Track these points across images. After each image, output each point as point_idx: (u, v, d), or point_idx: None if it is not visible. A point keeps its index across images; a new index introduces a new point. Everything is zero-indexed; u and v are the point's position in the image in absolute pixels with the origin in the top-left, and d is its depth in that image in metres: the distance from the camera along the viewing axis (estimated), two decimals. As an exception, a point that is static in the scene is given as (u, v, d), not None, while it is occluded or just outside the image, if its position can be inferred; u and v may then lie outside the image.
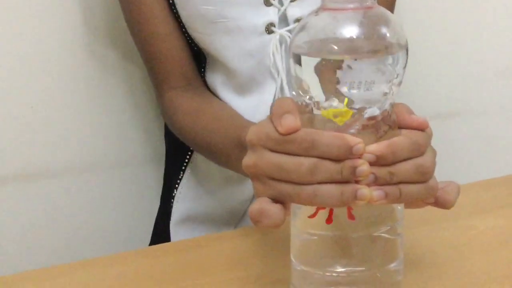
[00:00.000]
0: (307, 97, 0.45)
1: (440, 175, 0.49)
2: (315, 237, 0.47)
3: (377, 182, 0.44)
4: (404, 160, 0.45)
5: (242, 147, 0.55)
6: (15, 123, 0.84)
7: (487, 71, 1.06)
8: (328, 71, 0.43)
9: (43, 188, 0.87)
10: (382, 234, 0.47)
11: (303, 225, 0.47)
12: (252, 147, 0.46)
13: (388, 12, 0.46)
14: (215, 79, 0.75)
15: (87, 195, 0.89)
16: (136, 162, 0.91)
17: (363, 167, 0.43)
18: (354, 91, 0.44)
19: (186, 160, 0.79)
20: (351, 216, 0.46)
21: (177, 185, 0.80)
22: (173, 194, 0.80)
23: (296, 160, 0.43)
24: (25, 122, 0.84)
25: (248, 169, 0.46)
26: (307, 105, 0.45)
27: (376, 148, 0.44)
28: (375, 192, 0.44)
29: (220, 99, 0.74)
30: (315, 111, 0.45)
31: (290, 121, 0.44)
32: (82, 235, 0.90)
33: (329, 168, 0.43)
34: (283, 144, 0.44)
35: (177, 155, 0.80)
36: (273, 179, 0.45)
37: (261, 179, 0.46)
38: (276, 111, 0.45)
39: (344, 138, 0.43)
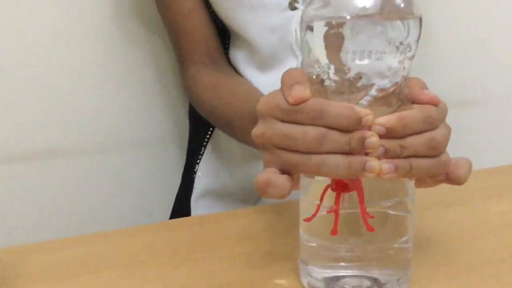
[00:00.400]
0: (317, 67, 0.44)
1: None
2: (325, 213, 0.47)
3: (387, 155, 0.43)
4: (416, 133, 0.44)
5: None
6: (39, 103, 0.85)
7: (507, 59, 1.06)
8: (336, 39, 0.43)
9: (70, 165, 0.88)
10: (392, 212, 0.47)
11: (314, 199, 0.47)
12: (262, 117, 0.46)
13: None
14: (238, 56, 0.75)
15: (111, 172, 0.90)
16: (159, 141, 0.92)
17: (373, 138, 0.43)
18: (364, 62, 0.43)
19: (208, 136, 0.80)
20: (370, 228, 0.46)
21: (198, 161, 0.81)
22: (195, 170, 0.81)
23: (304, 129, 0.43)
24: (49, 101, 0.85)
25: (257, 139, 0.46)
26: (317, 76, 0.45)
27: (386, 120, 0.43)
28: (385, 165, 0.43)
29: (241, 76, 0.75)
30: (326, 82, 0.44)
31: (299, 91, 0.44)
32: (106, 210, 0.91)
33: (337, 138, 0.43)
34: (292, 113, 0.44)
35: (199, 132, 0.81)
36: (281, 148, 0.45)
37: (270, 149, 0.45)
38: (286, 81, 0.45)
39: (353, 109, 0.43)
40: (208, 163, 0.81)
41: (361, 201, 0.46)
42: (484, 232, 0.61)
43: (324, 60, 0.44)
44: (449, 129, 0.47)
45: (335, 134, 0.43)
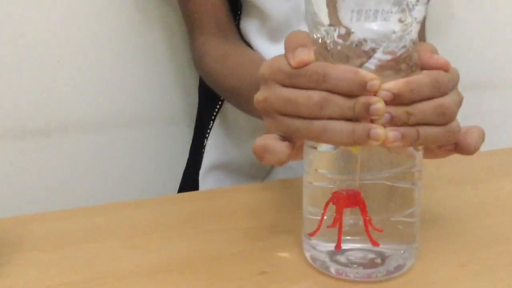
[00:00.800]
0: (321, 29, 0.43)
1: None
2: (329, 184, 0.46)
3: (393, 122, 0.42)
4: (424, 100, 0.42)
5: None
6: (44, 77, 0.85)
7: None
8: None
9: (79, 140, 0.88)
10: (398, 183, 0.46)
11: (322, 170, 0.46)
12: (264, 82, 0.44)
13: None
14: (249, 26, 0.74)
15: (119, 148, 0.90)
16: (169, 119, 0.91)
17: (378, 104, 0.41)
18: (369, 23, 0.41)
19: (216, 110, 0.79)
20: (375, 243, 0.45)
21: (207, 135, 0.80)
22: (204, 144, 0.80)
23: (306, 93, 0.42)
24: (58, 77, 0.85)
25: (258, 104, 0.45)
26: (321, 39, 0.43)
27: (393, 85, 0.41)
28: (391, 133, 0.41)
29: (253, 47, 0.73)
30: (330, 46, 0.43)
31: (302, 54, 0.42)
32: (115, 185, 0.91)
33: (340, 103, 0.41)
34: (294, 77, 0.42)
35: (207, 106, 0.80)
36: (283, 114, 0.43)
37: (271, 114, 0.44)
38: (290, 44, 0.43)
39: (357, 72, 0.41)
40: (217, 137, 0.80)
41: (364, 214, 0.44)
42: (495, 210, 0.59)
43: (326, 20, 0.42)
44: (460, 97, 0.45)
45: (338, 99, 0.41)
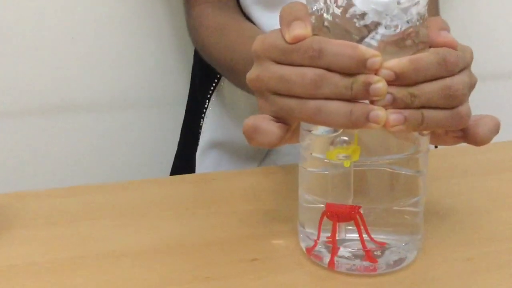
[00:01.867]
0: (320, 1, 0.39)
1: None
2: (325, 169, 0.42)
3: (395, 104, 0.38)
4: (430, 80, 0.38)
5: None
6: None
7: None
8: None
9: (72, 121, 0.87)
10: (400, 170, 0.42)
11: (318, 154, 0.43)
12: (257, 59, 0.41)
13: None
14: None
15: (109, 130, 0.89)
16: (157, 98, 0.89)
17: (379, 84, 0.37)
18: None
19: (212, 88, 0.75)
20: (373, 259, 0.42)
21: (203, 115, 0.77)
22: (200, 124, 0.77)
23: (300, 70, 0.38)
24: (45, 57, 0.84)
25: (251, 83, 0.41)
26: (319, 11, 0.40)
27: (396, 63, 0.38)
28: (392, 116, 0.38)
29: (250, 18, 0.70)
30: (329, 19, 0.39)
31: (298, 27, 0.38)
32: (106, 166, 0.90)
33: (337, 81, 0.37)
34: (289, 53, 0.39)
35: (202, 84, 0.77)
36: (276, 93, 0.40)
37: (264, 93, 0.41)
38: (285, 18, 0.40)
39: (356, 48, 0.37)
40: (213, 117, 0.77)
41: (361, 232, 0.42)
42: (505, 204, 0.55)
43: None
44: (472, 79, 0.42)
45: (335, 77, 0.38)
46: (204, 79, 0.77)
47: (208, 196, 0.57)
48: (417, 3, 0.39)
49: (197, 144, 0.78)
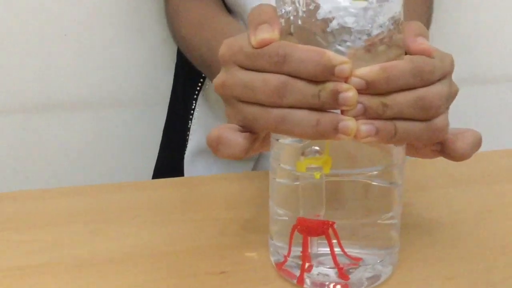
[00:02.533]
0: (287, 3, 0.37)
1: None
2: (295, 181, 0.40)
3: (366, 114, 0.36)
4: (403, 90, 0.36)
5: None
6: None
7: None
8: None
9: (60, 119, 0.86)
10: (375, 182, 0.40)
11: (285, 165, 0.41)
12: (224, 64, 0.39)
13: None
14: None
15: (93, 130, 0.87)
16: (138, 98, 0.87)
17: (349, 93, 0.35)
18: None
19: (198, 88, 0.73)
20: (344, 276, 0.40)
21: (191, 116, 0.74)
22: (188, 126, 0.75)
23: (264, 77, 0.36)
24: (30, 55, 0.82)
25: (217, 89, 0.39)
26: (287, 14, 0.37)
27: (367, 71, 0.35)
28: (363, 126, 0.36)
29: (237, 6, 0.67)
30: (297, 23, 0.37)
31: (265, 31, 0.36)
32: (87, 166, 0.89)
33: (303, 89, 0.35)
34: (254, 58, 0.37)
35: (187, 84, 0.74)
36: (242, 101, 0.38)
37: (230, 101, 0.39)
38: (253, 21, 0.38)
39: (324, 54, 0.35)
40: (201, 118, 0.74)
41: (332, 248, 0.39)
42: (497, 218, 0.53)
43: None
44: (452, 89, 0.39)
45: (300, 84, 0.35)
46: (188, 79, 0.75)
47: (190, 202, 0.56)
48: (389, 8, 0.36)
49: (185, 147, 0.76)
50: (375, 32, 0.36)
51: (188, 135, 0.76)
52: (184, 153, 0.76)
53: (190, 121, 0.75)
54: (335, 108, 0.36)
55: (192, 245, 0.48)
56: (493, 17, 0.94)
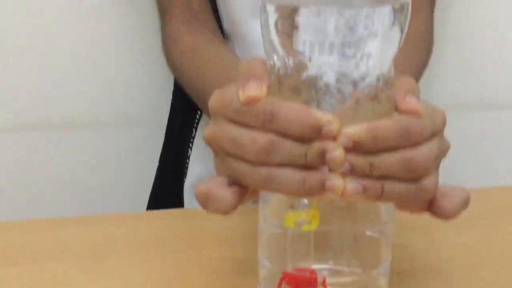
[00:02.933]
0: (275, 57, 0.37)
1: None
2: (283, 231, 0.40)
3: (353, 173, 0.36)
4: (390, 150, 0.36)
5: None
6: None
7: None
8: (290, 27, 0.35)
9: (42, 139, 0.85)
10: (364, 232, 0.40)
11: (273, 214, 0.41)
12: (213, 116, 0.39)
13: None
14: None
15: (83, 151, 0.87)
16: (139, 120, 0.87)
17: (336, 152, 0.35)
18: (324, 57, 0.35)
19: (198, 117, 0.73)
20: None
21: (190, 144, 0.74)
22: (188, 154, 0.74)
23: (252, 135, 0.36)
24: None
25: (206, 141, 0.39)
26: (277, 69, 0.37)
27: (353, 131, 0.35)
28: (350, 185, 0.35)
29: (238, 32, 0.68)
30: (284, 78, 0.37)
31: (253, 89, 0.36)
32: (77, 190, 0.88)
33: (289, 148, 0.35)
34: (242, 114, 0.37)
35: (186, 110, 0.73)
36: (230, 155, 0.38)
37: (219, 154, 0.39)
38: (242, 75, 0.38)
39: (310, 113, 0.35)
40: (201, 146, 0.74)
41: None
42: (496, 260, 0.52)
43: (279, 49, 0.37)
44: (442, 146, 0.39)
45: (287, 144, 0.36)
46: (186, 104, 0.74)
47: (184, 236, 0.55)
48: (376, 67, 0.36)
49: (183, 175, 0.76)
50: (364, 91, 0.36)
51: (187, 163, 0.75)
52: (183, 182, 0.75)
53: (190, 149, 0.75)
54: (323, 166, 0.36)
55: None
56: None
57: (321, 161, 0.35)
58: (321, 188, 0.36)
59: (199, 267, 0.51)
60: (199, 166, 0.75)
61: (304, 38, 0.35)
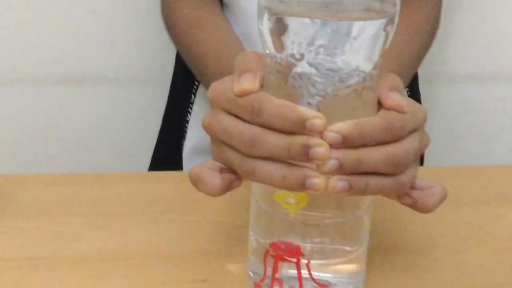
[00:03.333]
0: (268, 53, 0.40)
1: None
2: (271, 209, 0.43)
3: (341, 170, 0.37)
4: (376, 144, 0.38)
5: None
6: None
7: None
8: (280, 29, 0.37)
9: (49, 93, 0.89)
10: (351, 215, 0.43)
11: (262, 193, 0.43)
12: (211, 105, 0.42)
13: None
14: None
15: (89, 106, 0.89)
16: (145, 80, 0.89)
17: (320, 148, 0.37)
18: (312, 57, 0.37)
19: (197, 83, 0.74)
20: None
21: (189, 109, 0.76)
22: (187, 119, 0.76)
23: (241, 127, 0.38)
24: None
25: (204, 128, 0.42)
26: (271, 66, 0.40)
27: (341, 126, 0.37)
28: (339, 183, 0.37)
29: (232, 3, 0.68)
30: (276, 75, 0.39)
31: (247, 81, 0.39)
32: (81, 144, 0.91)
33: (273, 142, 0.37)
34: (234, 106, 0.39)
35: (186, 77, 0.75)
36: (224, 143, 0.40)
37: (215, 141, 0.42)
38: (238, 67, 0.40)
39: (294, 108, 0.37)
40: (199, 113, 0.76)
41: (300, 276, 0.42)
42: (489, 244, 0.53)
43: (271, 47, 0.39)
44: (422, 141, 0.41)
45: (271, 137, 0.38)
46: (188, 71, 0.74)
47: (185, 199, 0.58)
48: (358, 68, 0.38)
49: (182, 139, 0.77)
50: (348, 90, 0.38)
51: (186, 128, 0.77)
52: (182, 145, 0.78)
53: (189, 114, 0.77)
54: (307, 162, 0.38)
55: (177, 249, 0.51)
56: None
57: (304, 157, 0.37)
58: (301, 185, 0.38)
59: (197, 230, 0.54)
60: (198, 133, 0.77)
61: (292, 39, 0.37)
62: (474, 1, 0.90)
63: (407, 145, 0.39)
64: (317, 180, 0.37)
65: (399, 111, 0.39)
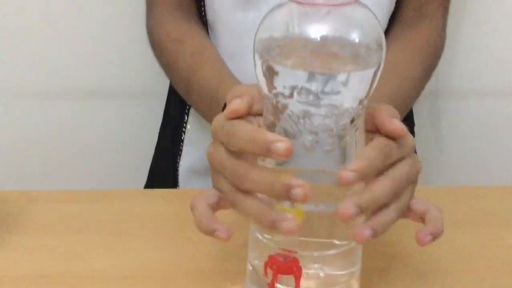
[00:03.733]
0: (263, 93, 0.42)
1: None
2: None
3: (363, 213, 0.40)
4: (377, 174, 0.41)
5: (217, 104, 0.55)
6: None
7: None
8: (268, 71, 0.40)
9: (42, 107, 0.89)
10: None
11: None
12: (212, 136, 0.44)
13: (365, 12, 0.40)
14: None
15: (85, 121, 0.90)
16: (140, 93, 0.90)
17: (298, 190, 0.38)
18: (301, 100, 0.40)
19: (188, 106, 0.75)
20: None
21: (183, 128, 0.77)
22: (182, 138, 0.77)
23: (232, 162, 0.41)
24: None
25: (207, 158, 0.45)
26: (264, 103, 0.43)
27: (355, 165, 0.39)
28: (367, 232, 0.40)
29: (215, 20, 0.69)
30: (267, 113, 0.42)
31: (235, 104, 0.42)
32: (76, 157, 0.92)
33: (258, 179, 0.40)
34: (230, 141, 0.42)
35: (178, 99, 0.75)
36: (220, 173, 0.43)
37: (214, 170, 0.44)
38: (229, 97, 0.44)
39: (262, 134, 0.40)
40: (192, 133, 0.77)
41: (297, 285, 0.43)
42: (489, 267, 0.54)
43: (264, 88, 0.42)
44: (416, 168, 0.43)
45: (257, 174, 0.40)
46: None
47: (181, 219, 0.58)
48: (347, 109, 0.40)
49: (179, 156, 0.78)
50: (337, 129, 0.41)
51: (181, 146, 0.78)
52: (178, 164, 0.78)
53: (183, 133, 0.77)
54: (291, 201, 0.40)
55: (182, 268, 0.52)
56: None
57: (287, 196, 0.39)
58: (272, 226, 0.40)
59: (201, 248, 0.54)
60: (192, 149, 0.77)
61: (283, 84, 0.40)
62: (487, 16, 0.91)
63: (403, 168, 0.42)
64: (287, 225, 0.39)
65: (400, 134, 0.41)
